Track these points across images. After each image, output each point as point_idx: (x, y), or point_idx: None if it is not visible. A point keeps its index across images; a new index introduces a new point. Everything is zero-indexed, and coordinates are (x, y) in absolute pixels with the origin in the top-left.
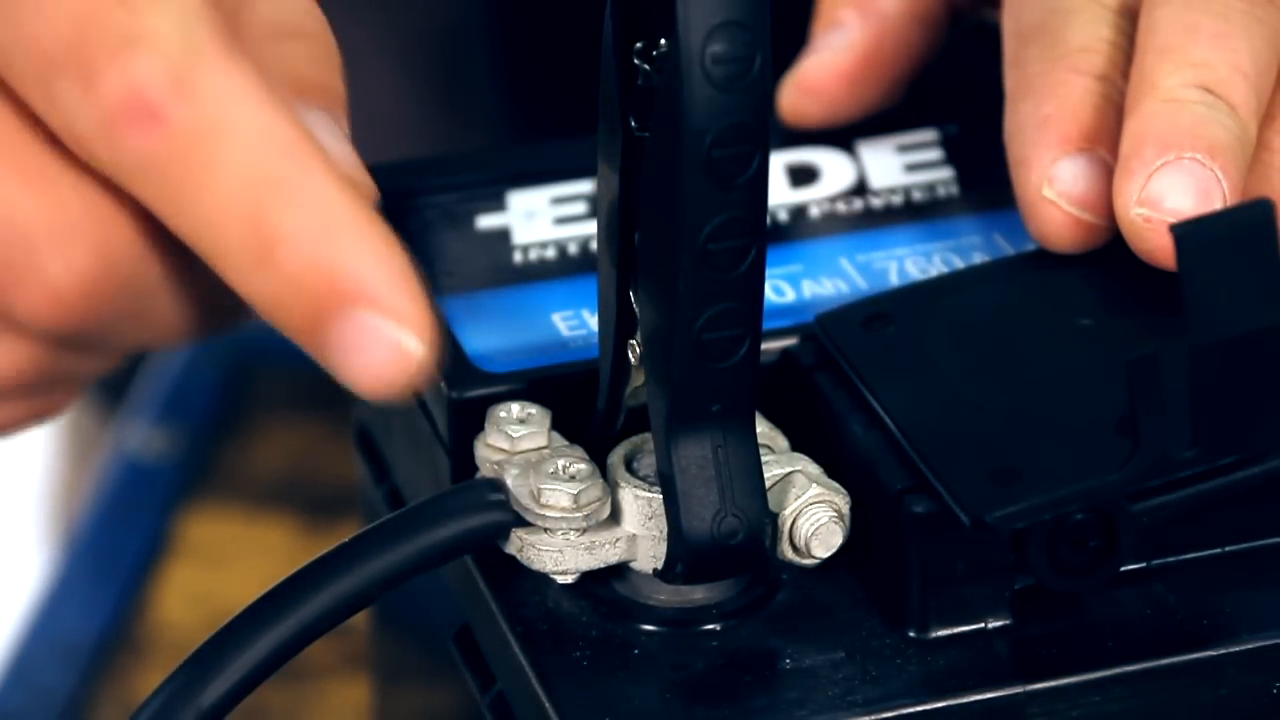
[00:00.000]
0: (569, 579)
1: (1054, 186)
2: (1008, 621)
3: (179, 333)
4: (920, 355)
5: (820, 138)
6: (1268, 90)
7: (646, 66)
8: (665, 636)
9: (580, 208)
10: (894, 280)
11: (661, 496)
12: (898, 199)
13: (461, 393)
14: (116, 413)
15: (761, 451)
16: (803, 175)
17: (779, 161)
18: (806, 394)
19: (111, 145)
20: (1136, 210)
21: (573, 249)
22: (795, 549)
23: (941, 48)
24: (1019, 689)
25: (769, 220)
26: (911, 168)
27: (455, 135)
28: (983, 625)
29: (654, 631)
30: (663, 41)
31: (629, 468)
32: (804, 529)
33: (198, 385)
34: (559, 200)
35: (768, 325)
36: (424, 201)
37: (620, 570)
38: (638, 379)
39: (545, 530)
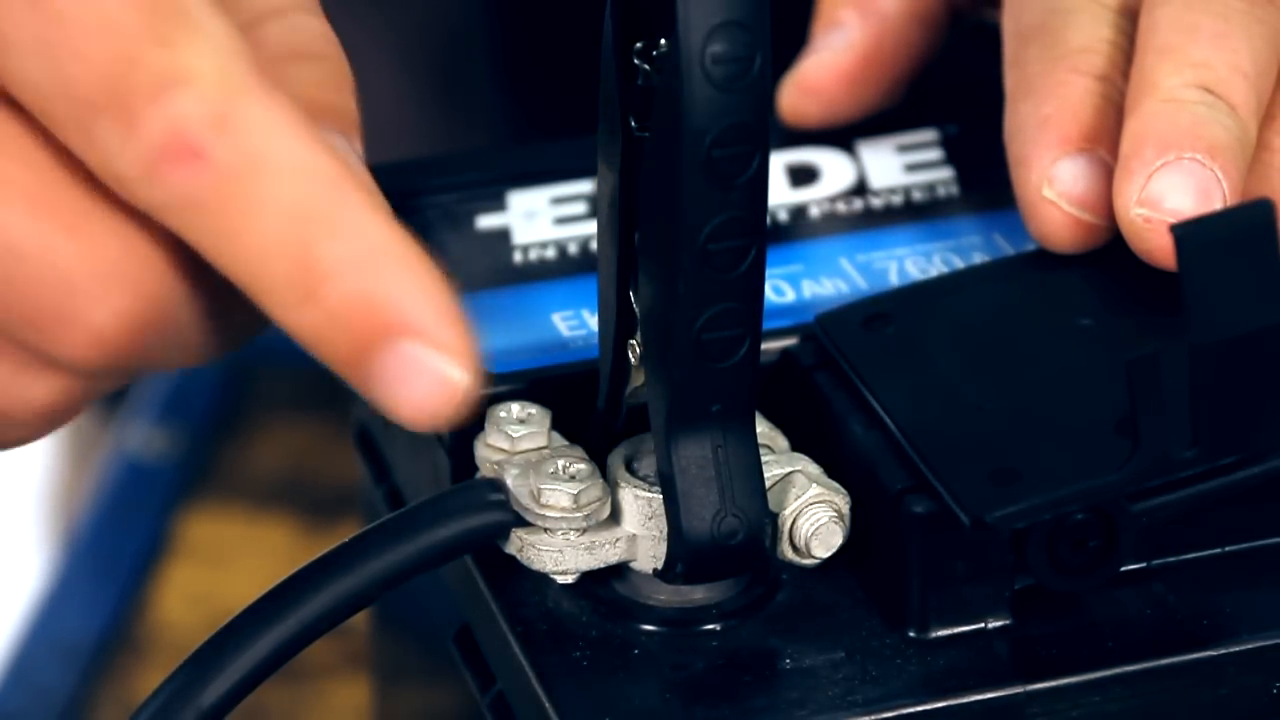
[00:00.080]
0: (569, 579)
1: (1054, 186)
2: (1008, 621)
3: (205, 354)
4: (920, 355)
5: (820, 138)
6: (1268, 90)
7: (646, 66)
8: (665, 636)
9: (580, 208)
10: (894, 280)
11: (661, 496)
12: (898, 199)
13: None
14: (116, 413)
15: (761, 451)
16: (803, 175)
17: (779, 161)
18: (806, 394)
19: (154, 185)
20: (1136, 210)
21: (573, 249)
22: (795, 549)
23: (941, 48)
24: (1019, 689)
25: (769, 220)
26: (911, 168)
27: (455, 135)
28: (983, 625)
29: (654, 631)
30: (663, 41)
31: (629, 468)
32: (804, 529)
33: (198, 385)
34: (559, 200)
35: (768, 325)
36: (424, 201)
37: (620, 570)
38: (638, 379)
39: (545, 530)
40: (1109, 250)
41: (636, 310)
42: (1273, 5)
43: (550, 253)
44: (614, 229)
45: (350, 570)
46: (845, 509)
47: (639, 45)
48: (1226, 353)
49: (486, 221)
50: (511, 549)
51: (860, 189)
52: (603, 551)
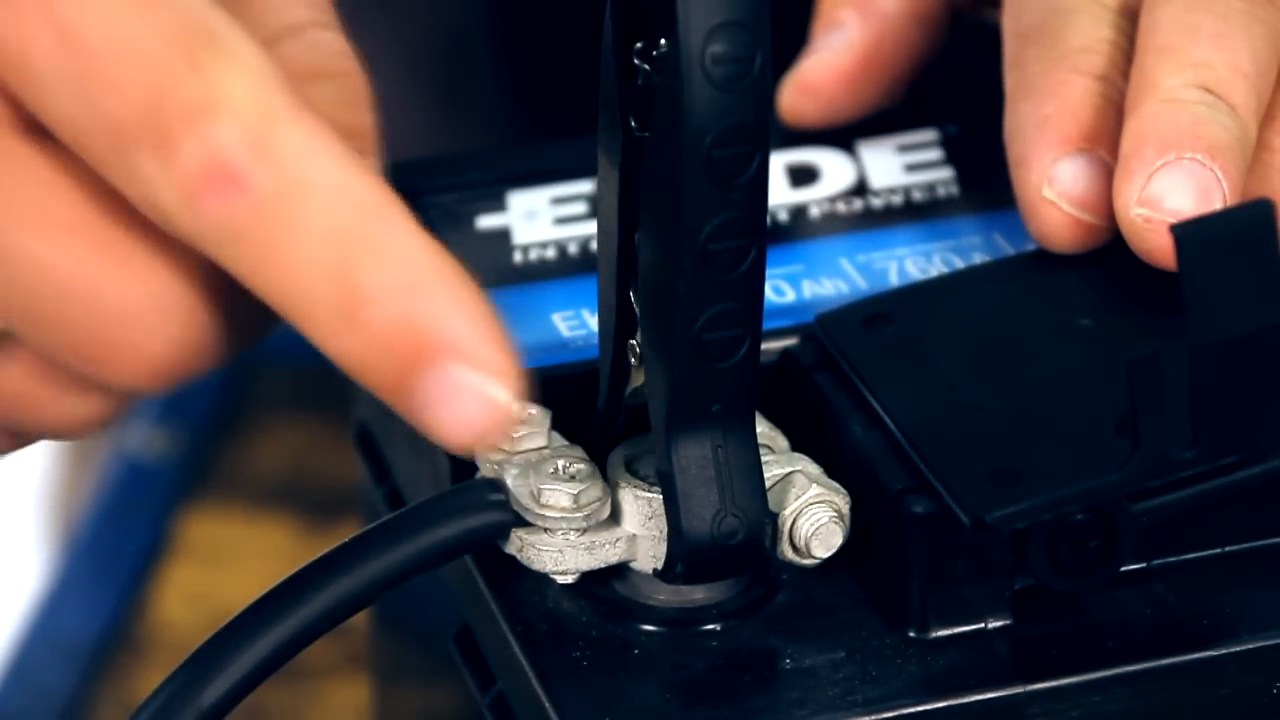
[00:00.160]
0: (569, 579)
1: (1054, 187)
2: (1008, 621)
3: (227, 360)
4: (920, 355)
5: (820, 138)
6: (1268, 90)
7: (646, 66)
8: (665, 636)
9: (580, 208)
10: (894, 280)
11: (661, 496)
12: (898, 199)
13: None
14: None
15: (761, 451)
16: (803, 175)
17: (779, 161)
18: (806, 394)
19: (194, 214)
20: (1136, 210)
21: (573, 249)
22: (795, 549)
23: (941, 48)
24: (1019, 689)
25: (769, 220)
26: (911, 168)
27: (457, 135)
28: (983, 625)
29: (654, 631)
30: (663, 41)
31: (629, 468)
32: (804, 529)
33: (198, 385)
34: (559, 200)
35: (768, 325)
36: (424, 201)
37: (620, 570)
38: (638, 379)
39: (545, 530)
40: (1109, 250)
41: (636, 310)
42: (1273, 5)
43: (550, 253)
44: (614, 229)
45: (350, 570)
46: (845, 509)
47: (639, 45)
48: (1226, 353)
49: (487, 221)
50: (511, 549)
51: (860, 189)
52: (603, 551)
